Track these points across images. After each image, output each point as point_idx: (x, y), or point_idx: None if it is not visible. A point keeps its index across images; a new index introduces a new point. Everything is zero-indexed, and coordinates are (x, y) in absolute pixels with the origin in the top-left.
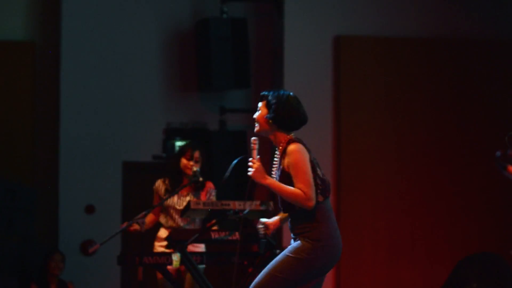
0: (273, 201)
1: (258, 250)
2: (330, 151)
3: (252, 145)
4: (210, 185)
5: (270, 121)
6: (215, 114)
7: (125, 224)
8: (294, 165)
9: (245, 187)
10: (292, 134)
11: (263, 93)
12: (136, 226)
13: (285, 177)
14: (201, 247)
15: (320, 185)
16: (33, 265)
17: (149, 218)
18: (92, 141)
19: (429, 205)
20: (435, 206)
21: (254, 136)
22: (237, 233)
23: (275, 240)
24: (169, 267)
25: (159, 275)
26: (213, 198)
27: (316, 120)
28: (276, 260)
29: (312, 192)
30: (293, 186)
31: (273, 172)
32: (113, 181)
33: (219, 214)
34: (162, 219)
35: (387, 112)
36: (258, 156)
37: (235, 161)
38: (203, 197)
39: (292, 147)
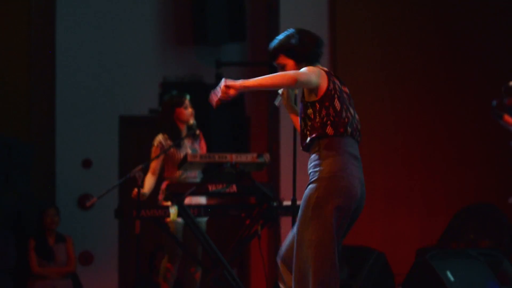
0: (270, 153)
1: (255, 202)
2: None
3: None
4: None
5: (303, 63)
6: (211, 68)
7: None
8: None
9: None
10: (319, 65)
11: (272, 48)
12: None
13: (307, 108)
14: (201, 200)
15: (332, 117)
16: (30, 220)
17: (150, 180)
18: (88, 95)
19: (426, 156)
20: (431, 158)
21: None
22: (234, 186)
23: (272, 192)
24: (167, 220)
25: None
26: (203, 142)
27: None
28: (301, 223)
29: (302, 75)
30: (314, 118)
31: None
32: (110, 135)
33: (216, 166)
34: (176, 174)
35: (382, 65)
36: None
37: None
38: (202, 146)
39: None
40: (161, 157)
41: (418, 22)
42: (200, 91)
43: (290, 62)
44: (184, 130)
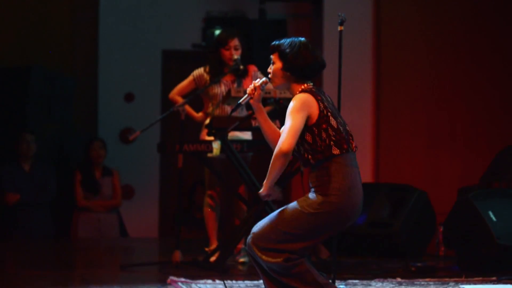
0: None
1: None
2: (370, 39)
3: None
4: (253, 68)
5: (288, 73)
6: (255, 3)
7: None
8: (288, 111)
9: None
10: (307, 84)
11: (273, 43)
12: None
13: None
14: (247, 135)
15: (334, 136)
16: (73, 153)
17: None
18: (131, 29)
19: (467, 98)
20: (473, 100)
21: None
22: (277, 121)
23: None
24: (209, 154)
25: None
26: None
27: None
28: (282, 210)
29: (289, 139)
30: (313, 142)
31: None
32: (153, 69)
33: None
34: (209, 109)
35: (425, 26)
36: None
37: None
38: (248, 82)
39: (296, 96)
40: (191, 86)
41: None
42: (243, 26)
43: (278, 64)
44: (227, 67)
